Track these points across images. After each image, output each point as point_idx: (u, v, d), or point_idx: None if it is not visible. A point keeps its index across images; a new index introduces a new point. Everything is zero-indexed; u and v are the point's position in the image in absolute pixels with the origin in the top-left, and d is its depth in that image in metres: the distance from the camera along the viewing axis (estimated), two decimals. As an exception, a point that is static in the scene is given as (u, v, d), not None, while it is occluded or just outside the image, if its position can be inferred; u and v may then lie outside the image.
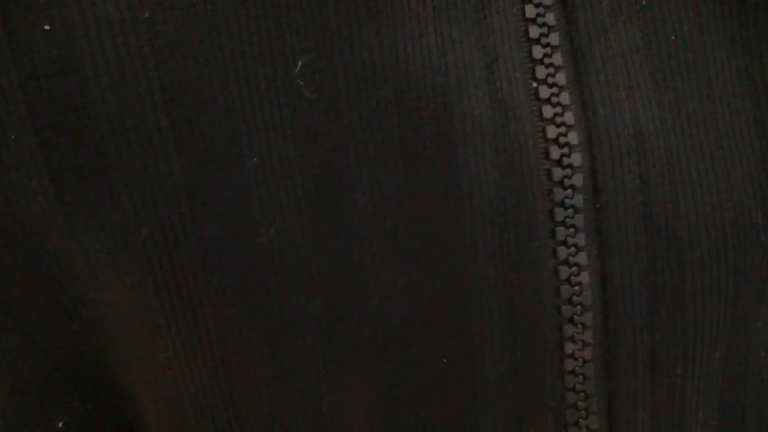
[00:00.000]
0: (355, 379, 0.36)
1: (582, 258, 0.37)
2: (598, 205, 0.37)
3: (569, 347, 0.37)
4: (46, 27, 0.32)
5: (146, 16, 0.33)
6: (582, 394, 0.38)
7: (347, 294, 0.35)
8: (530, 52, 0.37)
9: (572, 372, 0.38)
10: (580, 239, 0.37)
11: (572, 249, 0.37)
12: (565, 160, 0.37)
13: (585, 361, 0.38)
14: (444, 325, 0.36)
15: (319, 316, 0.35)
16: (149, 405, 0.38)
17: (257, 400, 0.36)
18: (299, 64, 0.34)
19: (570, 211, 0.37)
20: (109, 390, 0.38)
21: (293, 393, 0.36)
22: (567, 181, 0.37)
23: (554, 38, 0.37)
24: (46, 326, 0.37)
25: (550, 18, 0.37)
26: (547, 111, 0.37)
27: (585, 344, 0.37)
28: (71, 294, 0.36)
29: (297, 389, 0.36)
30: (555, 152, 0.36)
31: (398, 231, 0.35)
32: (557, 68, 0.37)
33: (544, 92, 0.37)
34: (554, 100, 0.37)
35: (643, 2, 0.37)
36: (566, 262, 0.37)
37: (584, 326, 0.37)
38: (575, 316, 0.37)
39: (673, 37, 0.38)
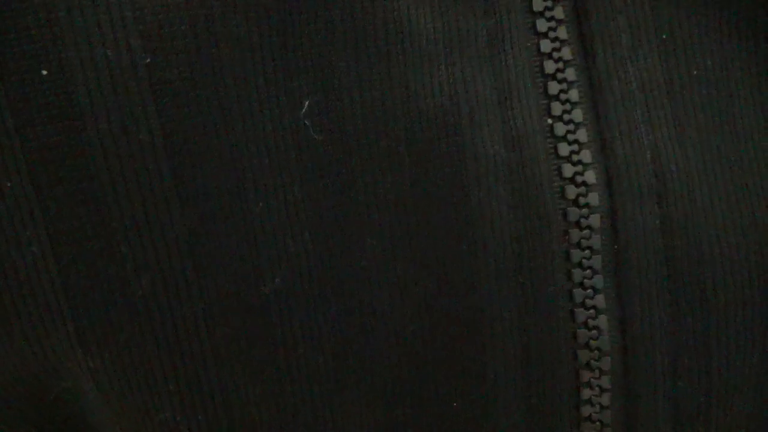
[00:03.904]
0: (364, 427, 0.35)
1: (599, 301, 0.36)
2: (616, 247, 0.36)
3: (586, 393, 0.36)
4: (44, 72, 0.31)
5: (147, 61, 0.32)
6: None
7: (356, 342, 0.34)
8: (545, 87, 0.35)
9: (589, 418, 0.36)
10: (598, 281, 0.36)
11: (589, 291, 0.35)
12: (582, 200, 0.35)
13: (602, 408, 0.36)
14: (457, 372, 0.35)
15: (327, 365, 0.34)
16: None
17: None
18: (305, 104, 0.33)
19: (587, 252, 0.35)
20: None
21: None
22: (584, 222, 0.35)
23: (570, 73, 0.35)
24: (18, 392, 0.35)
25: (566, 53, 0.35)
26: (563, 149, 0.35)
27: (602, 390, 0.36)
28: (46, 365, 0.34)
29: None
30: (571, 192, 0.35)
31: (409, 276, 0.34)
32: (573, 104, 0.35)
33: (560, 129, 0.35)
34: (570, 137, 0.35)
35: (664, 36, 0.36)
36: (583, 305, 0.35)
37: (601, 371, 0.36)
38: (592, 361, 0.36)
39: (696, 72, 0.36)
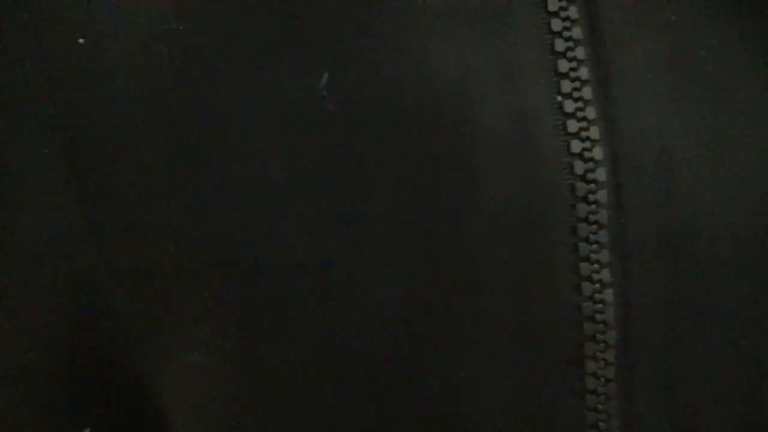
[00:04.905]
0: (353, 396, 0.36)
1: (605, 275, 0.36)
2: (622, 221, 0.36)
3: (590, 365, 0.37)
4: (80, 41, 0.33)
5: (180, 27, 0.33)
6: (604, 414, 0.37)
7: (354, 314, 0.35)
8: (556, 65, 0.36)
9: (594, 392, 0.37)
10: (604, 256, 0.36)
11: (595, 265, 0.36)
12: (590, 176, 0.36)
13: (607, 381, 0.37)
14: (455, 340, 0.36)
15: (316, 327, 0.35)
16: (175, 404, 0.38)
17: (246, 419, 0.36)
18: (325, 76, 0.34)
19: (594, 227, 0.36)
20: (131, 391, 0.38)
21: (285, 409, 0.36)
22: (591, 197, 0.36)
23: (580, 52, 0.36)
24: (44, 314, 0.36)
25: (577, 32, 0.36)
26: (572, 125, 0.36)
27: (607, 363, 0.37)
28: (77, 277, 0.35)
29: (291, 404, 0.36)
30: (579, 167, 0.36)
31: (414, 247, 0.35)
32: (583, 82, 0.36)
33: (570, 107, 0.36)
34: (579, 114, 0.36)
35: (673, 17, 0.37)
36: (589, 278, 0.36)
37: (607, 345, 0.37)
38: (597, 334, 0.36)
39: (702, 53, 0.37)
